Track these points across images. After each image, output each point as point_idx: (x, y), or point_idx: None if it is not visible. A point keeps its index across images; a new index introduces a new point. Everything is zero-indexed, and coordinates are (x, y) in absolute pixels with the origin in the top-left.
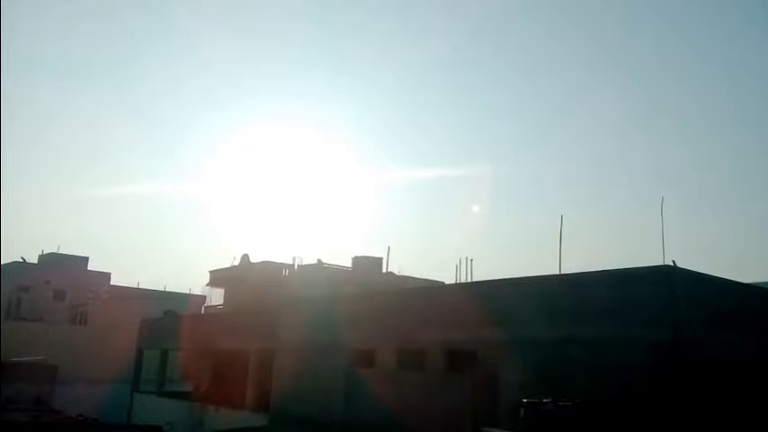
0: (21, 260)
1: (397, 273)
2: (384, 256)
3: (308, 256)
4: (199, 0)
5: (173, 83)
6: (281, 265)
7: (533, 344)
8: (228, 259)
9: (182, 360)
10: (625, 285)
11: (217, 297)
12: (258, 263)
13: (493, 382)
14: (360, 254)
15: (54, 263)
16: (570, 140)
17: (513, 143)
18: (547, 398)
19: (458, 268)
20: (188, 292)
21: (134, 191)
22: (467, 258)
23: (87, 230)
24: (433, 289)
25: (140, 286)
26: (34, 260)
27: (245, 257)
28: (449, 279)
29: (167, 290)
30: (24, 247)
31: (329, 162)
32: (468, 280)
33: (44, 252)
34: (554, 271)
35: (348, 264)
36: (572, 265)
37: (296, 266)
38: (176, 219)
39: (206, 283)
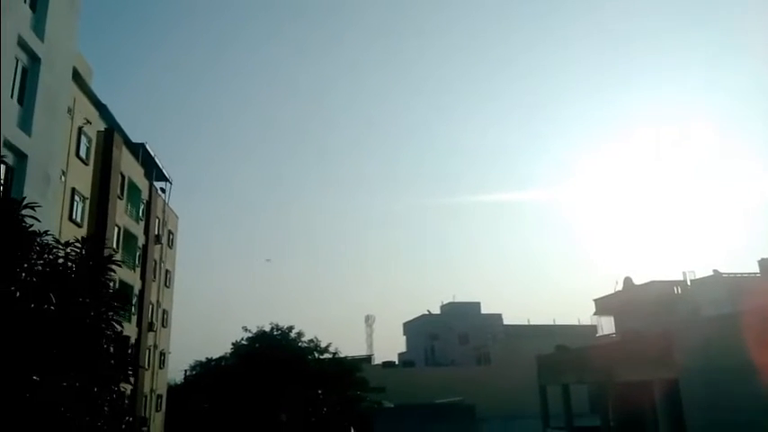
0: (427, 312)
1: None
2: None
3: (700, 267)
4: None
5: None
6: (671, 283)
7: None
8: (611, 284)
9: (584, 394)
10: None
11: (607, 325)
12: (643, 284)
13: None
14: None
15: (453, 311)
16: None
17: None
18: None
19: None
20: (576, 323)
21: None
22: None
23: (475, 276)
24: None
25: (530, 322)
26: (437, 311)
27: (628, 280)
28: None
29: (556, 323)
30: (428, 300)
31: (711, 161)
32: None
33: (444, 302)
34: None
35: (755, 269)
36: None
37: (688, 282)
38: (552, 246)
39: (593, 312)
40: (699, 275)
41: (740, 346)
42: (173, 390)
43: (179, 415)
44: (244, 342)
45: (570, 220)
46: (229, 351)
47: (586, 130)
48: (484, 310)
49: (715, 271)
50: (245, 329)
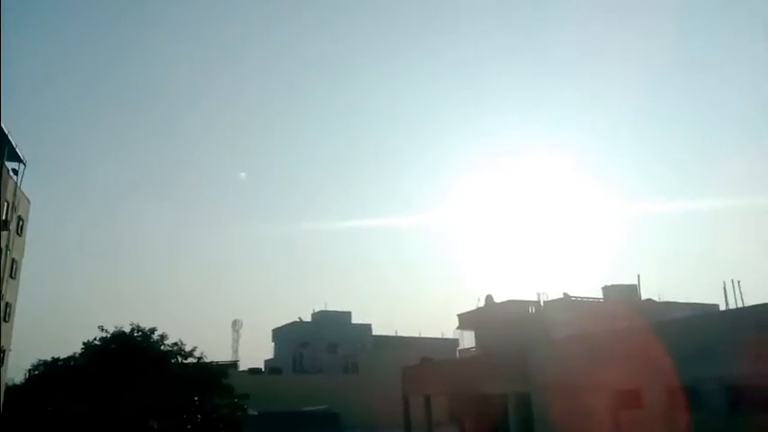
0: (298, 320)
1: (657, 299)
2: (636, 283)
3: (553, 290)
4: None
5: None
6: (527, 303)
7: None
8: (474, 300)
9: (445, 404)
10: None
11: (469, 339)
12: (502, 302)
13: None
14: (610, 283)
15: (324, 319)
16: None
17: None
18: None
19: (725, 292)
20: (441, 336)
21: (374, 227)
22: (732, 281)
23: (348, 284)
24: (704, 317)
25: (398, 334)
26: (308, 318)
27: (489, 298)
28: (717, 303)
29: (422, 335)
30: (300, 308)
31: (570, 193)
32: (739, 304)
33: (315, 310)
34: None
35: (598, 295)
36: None
37: (542, 303)
38: (424, 260)
39: (456, 326)
40: (552, 297)
41: (583, 365)
42: (11, 390)
43: (18, 417)
44: (97, 342)
45: (443, 243)
46: (80, 351)
47: (462, 157)
48: (355, 320)
49: (565, 294)
50: (102, 329)
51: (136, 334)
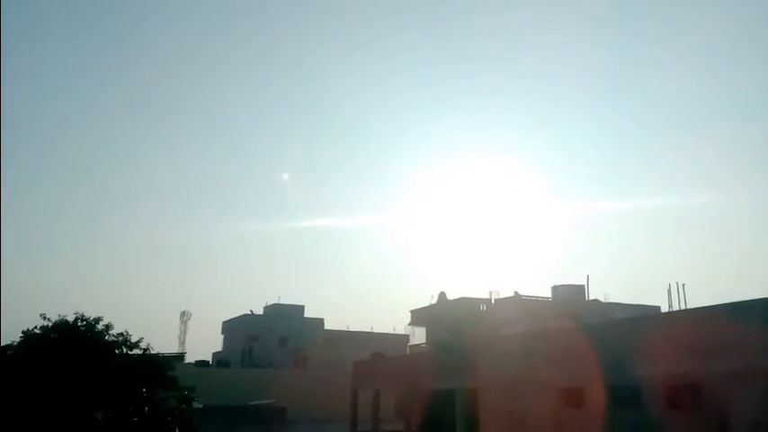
0: (249, 312)
1: (602, 300)
2: (585, 283)
3: (504, 288)
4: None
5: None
6: (479, 301)
7: None
8: (427, 297)
9: (393, 399)
10: None
11: (420, 335)
12: (455, 300)
13: (722, 420)
14: (559, 282)
15: (276, 312)
16: None
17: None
18: None
19: (669, 294)
20: (392, 331)
21: (327, 226)
22: (677, 284)
23: (301, 279)
24: (644, 319)
25: (350, 329)
26: (260, 312)
27: (443, 295)
28: (659, 305)
29: (374, 330)
30: (252, 301)
31: (522, 192)
32: (682, 306)
33: (268, 303)
34: None
35: (547, 294)
36: None
37: (493, 301)
38: (378, 257)
39: (408, 322)
40: (503, 295)
41: (529, 362)
42: None
43: None
44: (37, 330)
45: (398, 241)
46: (18, 339)
47: (416, 157)
48: (308, 314)
49: (515, 293)
50: (44, 317)
51: (80, 323)
